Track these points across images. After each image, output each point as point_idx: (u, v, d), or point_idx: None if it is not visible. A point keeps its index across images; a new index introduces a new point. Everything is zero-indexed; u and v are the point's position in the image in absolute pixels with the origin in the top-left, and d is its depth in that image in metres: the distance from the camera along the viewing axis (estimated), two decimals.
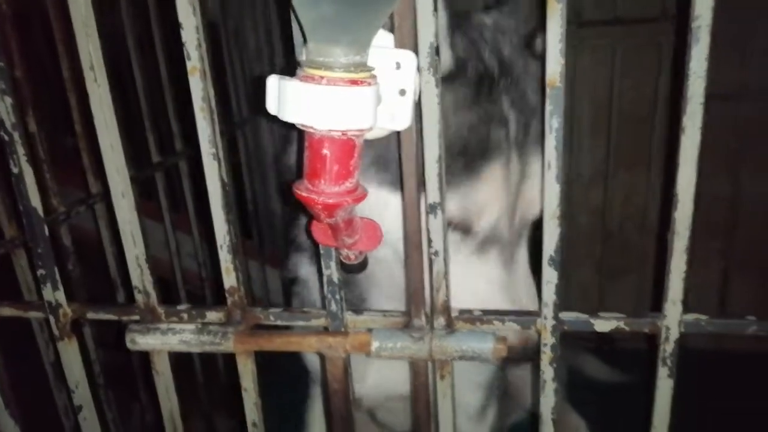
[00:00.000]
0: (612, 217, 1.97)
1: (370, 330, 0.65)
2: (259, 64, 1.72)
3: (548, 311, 0.62)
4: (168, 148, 1.39)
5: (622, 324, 0.62)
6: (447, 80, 0.75)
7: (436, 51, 0.53)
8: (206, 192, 0.63)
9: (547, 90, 0.54)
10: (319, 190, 0.50)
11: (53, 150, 1.12)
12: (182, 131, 1.37)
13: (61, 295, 0.72)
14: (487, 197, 0.81)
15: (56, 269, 0.72)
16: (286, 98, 0.47)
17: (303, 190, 0.51)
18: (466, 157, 0.78)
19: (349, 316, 0.67)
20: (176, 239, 1.45)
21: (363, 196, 0.52)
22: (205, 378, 1.54)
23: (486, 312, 0.65)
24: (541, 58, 0.74)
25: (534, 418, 0.68)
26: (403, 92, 0.54)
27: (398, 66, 0.54)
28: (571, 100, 1.83)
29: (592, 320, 0.63)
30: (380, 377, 1.02)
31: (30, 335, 1.07)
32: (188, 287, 1.51)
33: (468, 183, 0.78)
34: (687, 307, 0.60)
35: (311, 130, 0.48)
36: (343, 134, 0.48)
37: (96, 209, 1.17)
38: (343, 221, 0.56)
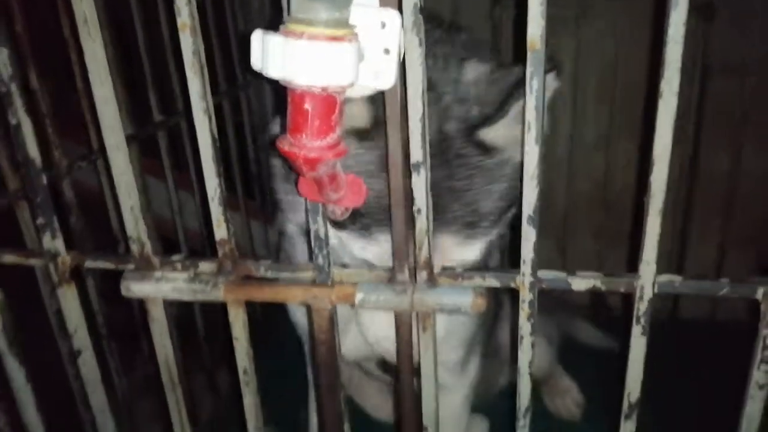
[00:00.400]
0: (614, 184, 1.97)
1: (355, 283, 0.68)
2: (263, 26, 1.72)
3: (526, 268, 0.64)
4: (170, 107, 1.40)
5: (598, 283, 0.64)
6: (360, 136, 0.74)
7: (420, 10, 0.54)
8: None
9: (528, 53, 0.55)
10: (301, 145, 0.52)
11: (57, 106, 1.14)
12: (184, 90, 1.38)
13: (60, 244, 0.75)
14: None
15: (55, 218, 0.74)
16: (268, 53, 0.49)
17: (285, 145, 0.53)
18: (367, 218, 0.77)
19: (336, 270, 0.69)
20: (179, 198, 1.48)
21: (344, 152, 0.54)
22: (206, 334, 1.58)
23: (467, 269, 0.67)
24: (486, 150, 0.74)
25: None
26: (387, 51, 0.55)
27: (383, 25, 0.55)
28: (575, 67, 1.83)
29: (569, 278, 0.65)
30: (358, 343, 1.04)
31: (35, 286, 1.11)
32: (191, 245, 1.54)
33: (376, 237, 0.79)
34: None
35: (293, 86, 0.50)
36: (323, 90, 0.50)
37: (98, 164, 1.19)
38: (327, 176, 0.58)
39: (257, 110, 1.79)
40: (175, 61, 1.36)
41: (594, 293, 1.97)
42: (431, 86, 0.76)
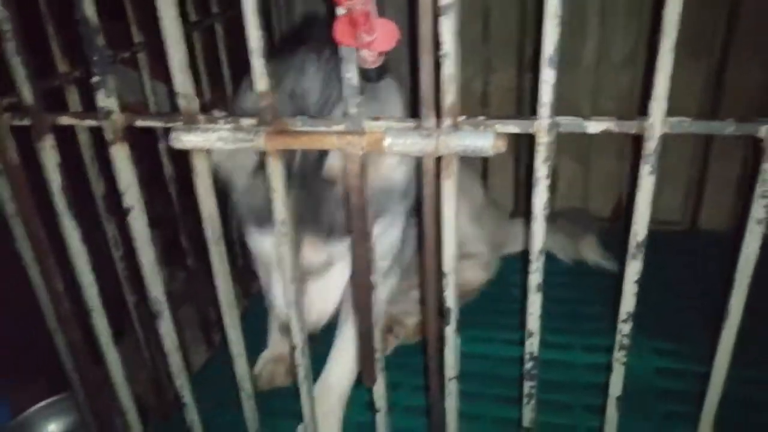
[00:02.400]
0: (639, 104, 1.98)
1: (384, 130, 0.73)
2: None
3: (544, 111, 0.68)
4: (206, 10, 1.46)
5: (612, 125, 0.69)
6: None
7: None
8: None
9: None
10: None
11: None
12: None
13: (113, 102, 0.81)
14: None
15: (110, 78, 0.80)
16: None
17: None
18: None
19: (367, 122, 0.75)
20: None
21: None
22: None
23: (489, 117, 0.72)
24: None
25: None
26: None
27: None
28: None
29: (585, 122, 0.69)
30: None
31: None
32: None
33: None
34: None
35: None
36: None
37: (139, 58, 1.25)
38: (362, 14, 0.62)
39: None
40: None
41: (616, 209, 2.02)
42: None
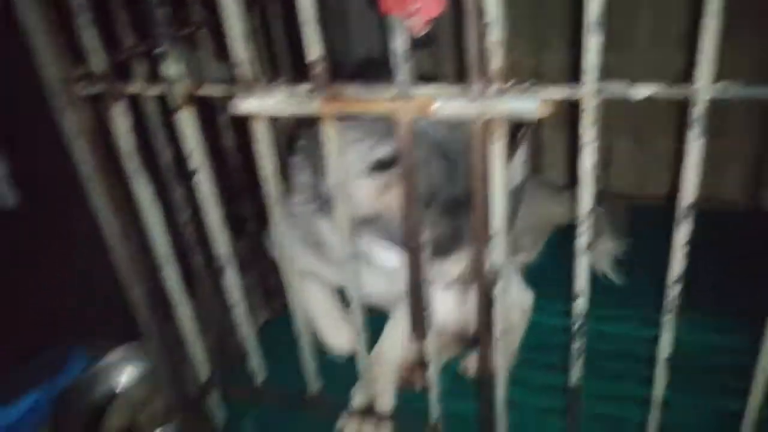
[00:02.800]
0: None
1: (433, 95, 0.76)
2: None
3: (589, 77, 0.70)
4: None
5: (659, 90, 0.70)
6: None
7: None
8: None
9: None
10: None
11: None
12: None
13: (177, 70, 0.87)
14: None
15: (174, 48, 0.85)
16: None
17: None
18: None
19: (416, 89, 0.77)
20: None
21: None
22: None
23: (535, 82, 0.73)
24: None
25: None
26: None
27: None
28: None
29: (630, 88, 0.70)
30: None
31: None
32: None
33: None
34: None
35: None
36: None
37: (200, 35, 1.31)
38: None
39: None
40: None
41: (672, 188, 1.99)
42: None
